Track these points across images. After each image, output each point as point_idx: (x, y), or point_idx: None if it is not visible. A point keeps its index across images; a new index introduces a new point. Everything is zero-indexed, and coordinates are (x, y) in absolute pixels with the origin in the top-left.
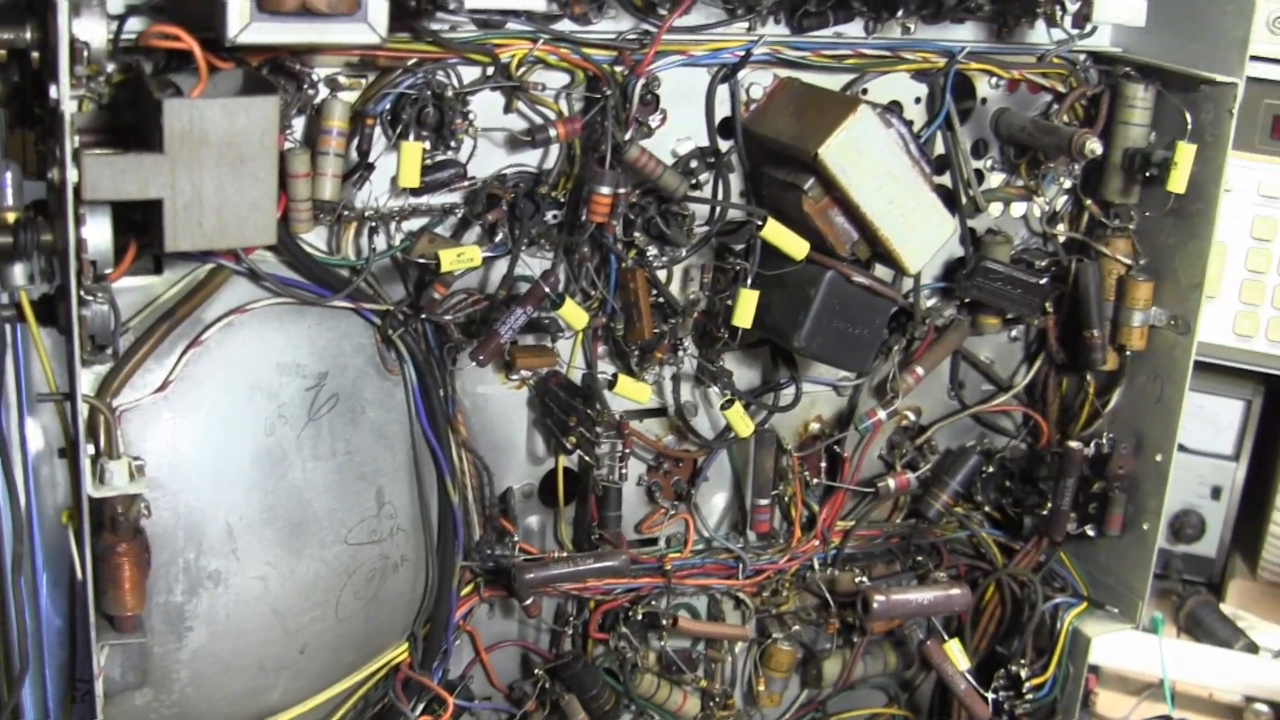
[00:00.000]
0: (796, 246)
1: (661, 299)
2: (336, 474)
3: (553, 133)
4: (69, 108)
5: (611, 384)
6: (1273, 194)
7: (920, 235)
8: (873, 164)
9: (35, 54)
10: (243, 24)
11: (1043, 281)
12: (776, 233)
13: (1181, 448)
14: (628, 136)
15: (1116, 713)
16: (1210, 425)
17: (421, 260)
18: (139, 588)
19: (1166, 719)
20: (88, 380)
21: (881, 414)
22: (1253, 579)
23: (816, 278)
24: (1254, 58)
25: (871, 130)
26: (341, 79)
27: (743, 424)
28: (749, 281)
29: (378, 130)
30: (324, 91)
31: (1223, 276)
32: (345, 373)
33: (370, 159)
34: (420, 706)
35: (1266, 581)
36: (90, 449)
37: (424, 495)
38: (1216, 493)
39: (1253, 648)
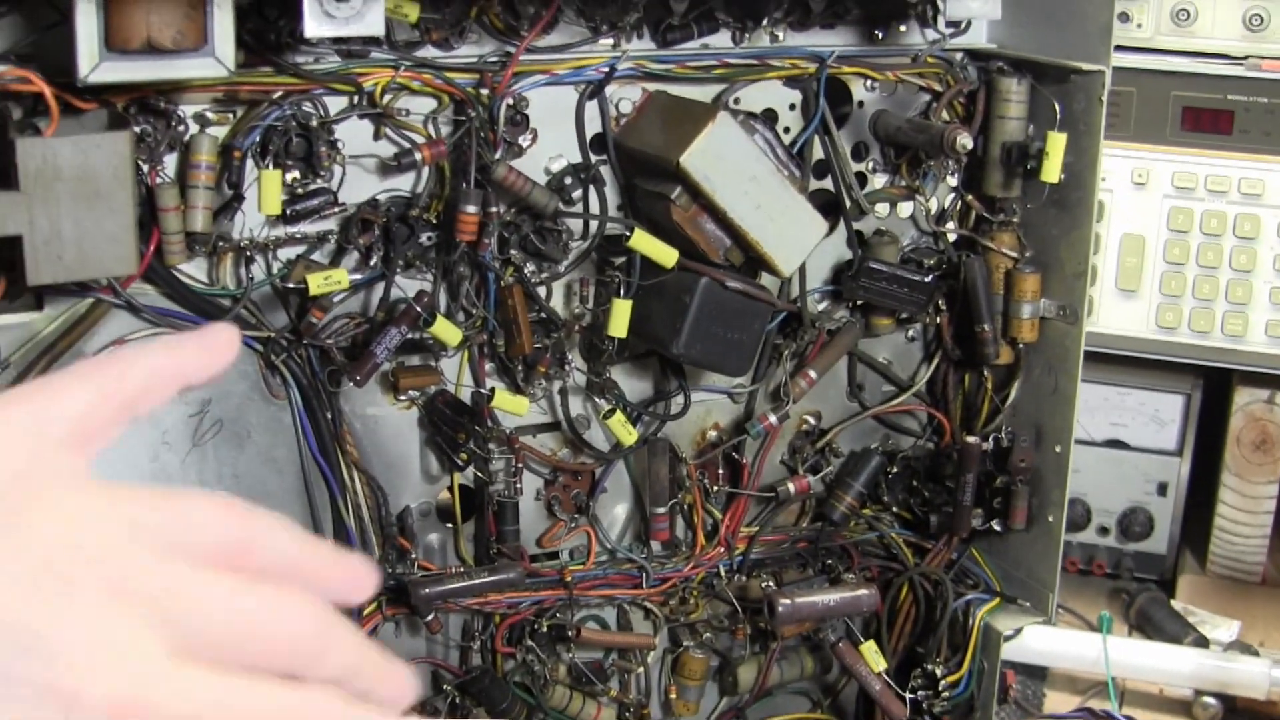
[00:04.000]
0: (665, 255)
1: (543, 314)
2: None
3: (418, 156)
4: None
5: (489, 399)
6: (1187, 185)
7: (791, 238)
8: (736, 170)
9: None
10: (92, 64)
11: (928, 279)
12: (644, 242)
13: (1125, 445)
14: (497, 156)
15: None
16: (1152, 421)
17: (291, 286)
18: None
19: (1087, 711)
20: None
21: (773, 418)
22: (1203, 573)
23: (691, 285)
24: (1160, 50)
25: (732, 137)
26: (209, 114)
27: (625, 433)
28: (625, 293)
29: (249, 163)
30: (194, 127)
31: (1142, 269)
32: (229, 399)
33: (242, 190)
34: None
35: (1216, 575)
36: None
37: (317, 517)
38: (1163, 489)
39: (1202, 642)
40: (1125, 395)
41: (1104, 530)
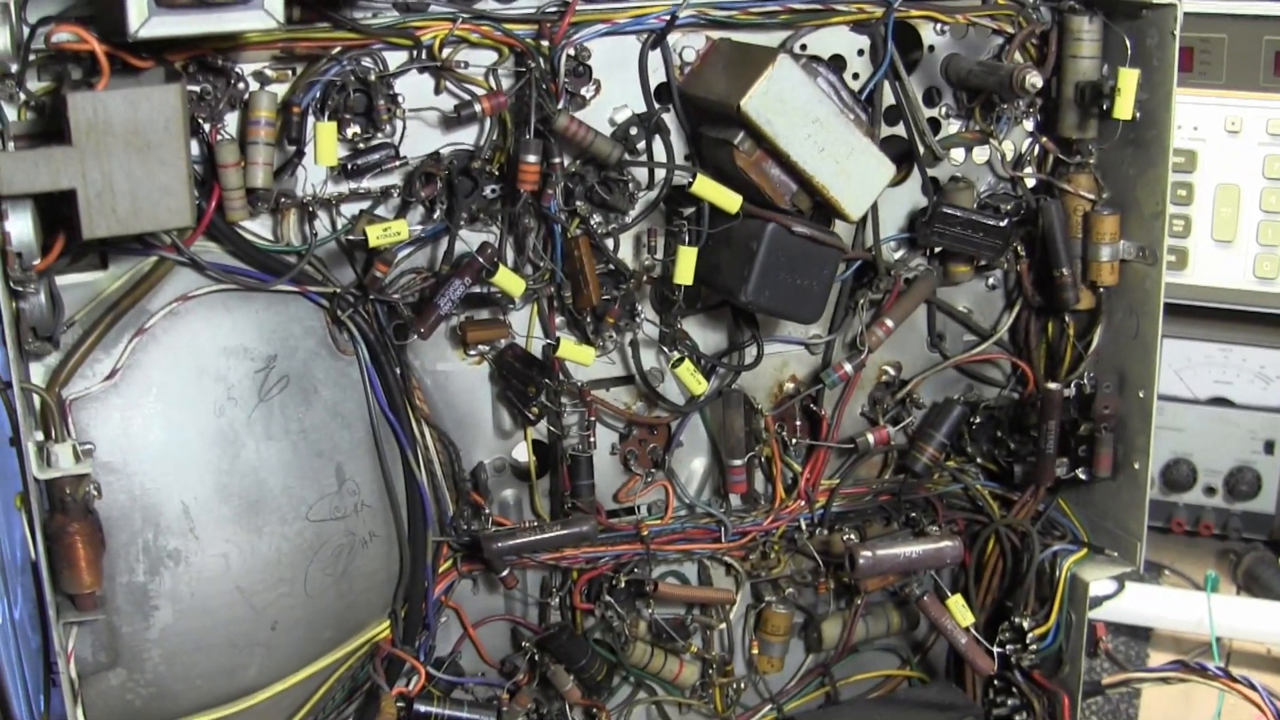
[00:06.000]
0: (729, 200)
1: (610, 266)
2: (291, 452)
3: (478, 108)
4: None
5: (554, 349)
6: None
7: (858, 182)
8: (799, 113)
9: None
10: (142, 19)
11: (1004, 224)
12: (707, 188)
13: (1230, 403)
14: (559, 106)
15: None
16: (1258, 378)
17: (351, 239)
18: (95, 565)
19: (1179, 664)
20: (38, 372)
21: (848, 367)
22: None
23: (759, 232)
24: None
25: (794, 79)
26: (268, 72)
27: (694, 382)
28: (692, 241)
29: (310, 119)
30: (253, 85)
31: (1238, 219)
32: (295, 354)
33: (303, 146)
34: (412, 683)
35: None
36: (39, 435)
37: (388, 472)
38: (1269, 447)
39: None
40: (1228, 352)
41: (1210, 490)
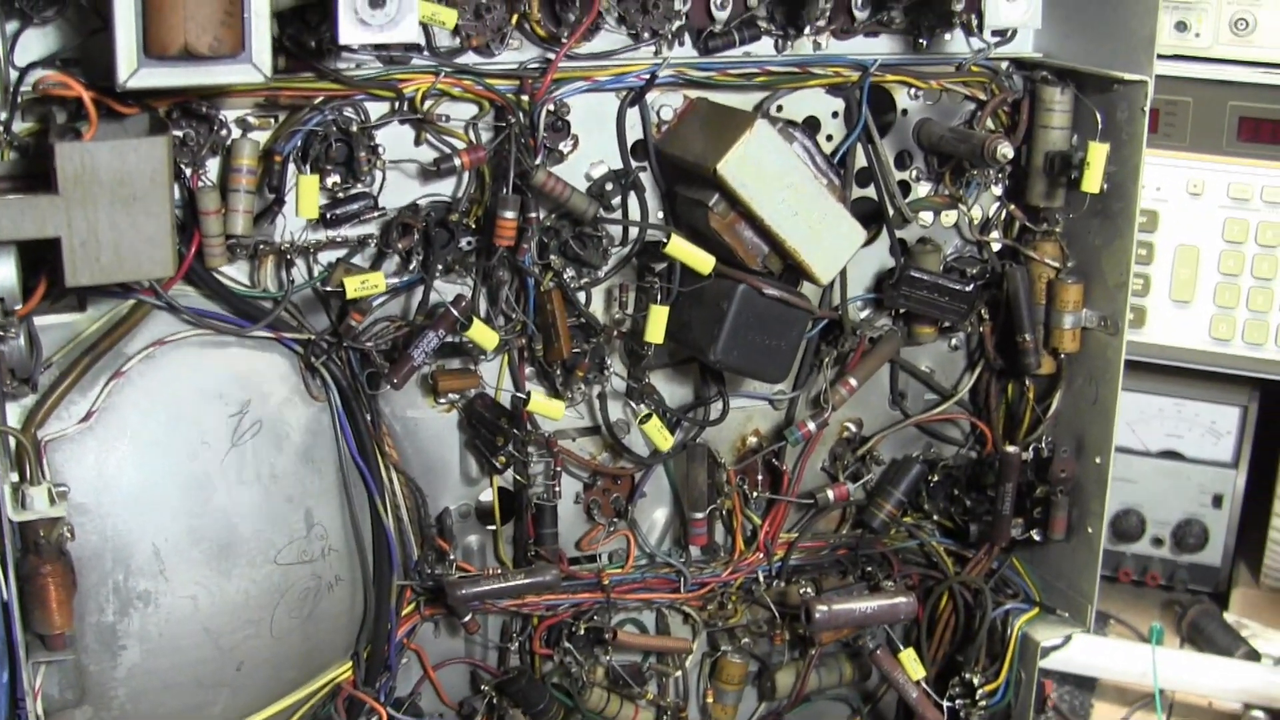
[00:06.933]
0: (702, 261)
1: (582, 319)
2: (263, 496)
3: (457, 161)
4: None
5: (525, 402)
6: (1242, 196)
7: (829, 246)
8: (774, 177)
9: None
10: (131, 69)
11: (969, 288)
12: (681, 249)
13: (1181, 456)
14: (537, 162)
15: None
16: (1209, 433)
17: (329, 289)
18: (66, 606)
19: None
20: (14, 413)
21: (811, 425)
22: (1257, 586)
23: (729, 292)
24: (1217, 60)
25: (770, 144)
26: (251, 119)
27: (661, 438)
28: (663, 299)
29: (290, 167)
30: (236, 132)
31: (1196, 280)
32: (269, 400)
33: (283, 194)
34: None
35: (1270, 588)
36: (14, 476)
37: (356, 517)
38: (1218, 501)
39: (1254, 655)
40: (1181, 406)
41: (1158, 541)
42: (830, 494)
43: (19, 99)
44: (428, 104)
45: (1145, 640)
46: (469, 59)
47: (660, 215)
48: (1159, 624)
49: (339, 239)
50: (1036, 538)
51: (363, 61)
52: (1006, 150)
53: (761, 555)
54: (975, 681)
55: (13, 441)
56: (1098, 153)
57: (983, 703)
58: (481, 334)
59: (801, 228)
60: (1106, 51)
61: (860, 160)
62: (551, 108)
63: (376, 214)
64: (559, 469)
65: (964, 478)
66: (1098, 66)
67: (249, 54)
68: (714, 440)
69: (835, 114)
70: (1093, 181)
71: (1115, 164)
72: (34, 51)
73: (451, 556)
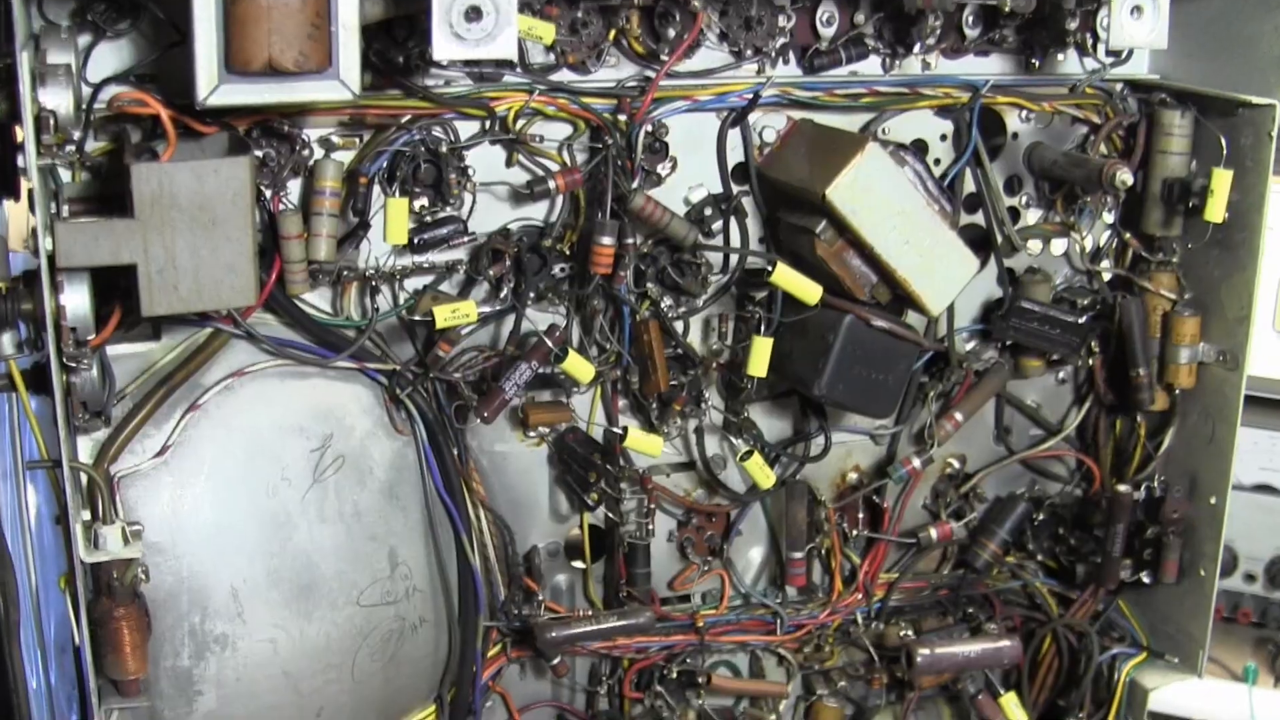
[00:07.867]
0: (809, 291)
1: (679, 350)
2: (345, 535)
3: (552, 184)
4: (35, 175)
5: (621, 438)
6: None
7: (941, 276)
8: (884, 203)
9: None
10: (211, 86)
11: (1081, 320)
12: (787, 278)
13: (1274, 491)
14: (635, 185)
15: None
16: None
17: (418, 318)
18: (140, 651)
19: None
20: (86, 447)
21: (916, 462)
22: None
23: (835, 323)
24: None
25: (882, 169)
26: (335, 139)
27: (763, 475)
28: (765, 330)
29: (376, 189)
30: (319, 152)
31: None
32: (352, 434)
33: (368, 218)
34: None
35: None
36: (86, 514)
37: (441, 556)
38: None
39: None
40: (1276, 440)
41: (1250, 577)
42: (933, 533)
43: (92, 117)
44: (520, 124)
45: (1238, 679)
46: (564, 76)
47: (760, 242)
48: (1253, 663)
49: (426, 265)
50: (1146, 580)
51: (452, 79)
52: (1126, 177)
53: (860, 596)
54: None
55: (84, 478)
56: (1222, 180)
57: None
58: (577, 366)
59: (912, 256)
60: (1230, 73)
61: (968, 185)
62: (650, 128)
63: (466, 239)
64: (652, 506)
65: (1070, 516)
66: (1220, 89)
67: (336, 69)
68: (813, 476)
69: (944, 137)
70: (1216, 210)
71: (1238, 192)
72: (108, 67)
73: (540, 597)
